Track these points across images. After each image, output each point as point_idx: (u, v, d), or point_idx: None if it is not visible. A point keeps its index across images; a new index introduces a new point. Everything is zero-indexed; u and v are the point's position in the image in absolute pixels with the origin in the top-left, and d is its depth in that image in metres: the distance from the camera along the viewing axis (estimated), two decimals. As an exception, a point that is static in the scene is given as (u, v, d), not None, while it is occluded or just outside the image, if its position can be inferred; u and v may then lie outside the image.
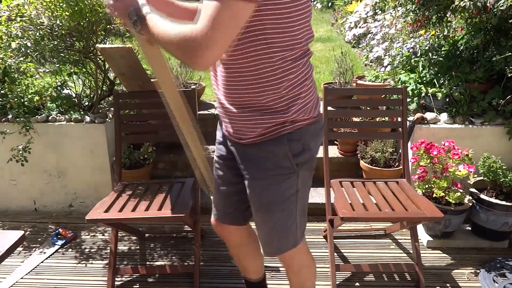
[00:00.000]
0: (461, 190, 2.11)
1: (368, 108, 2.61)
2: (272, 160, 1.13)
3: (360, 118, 2.60)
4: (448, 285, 1.97)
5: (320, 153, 2.75)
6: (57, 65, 2.50)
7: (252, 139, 1.13)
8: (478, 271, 2.05)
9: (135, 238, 2.39)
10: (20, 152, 2.30)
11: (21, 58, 2.34)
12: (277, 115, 1.07)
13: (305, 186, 1.22)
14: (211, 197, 1.43)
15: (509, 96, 2.27)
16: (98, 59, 2.56)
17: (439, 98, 2.39)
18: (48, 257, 2.22)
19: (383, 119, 2.50)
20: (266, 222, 1.24)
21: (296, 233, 1.27)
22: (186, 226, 2.43)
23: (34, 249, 2.29)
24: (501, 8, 2.02)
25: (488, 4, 2.07)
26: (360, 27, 4.92)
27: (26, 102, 2.50)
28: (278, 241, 1.27)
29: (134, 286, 2.00)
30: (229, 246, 1.56)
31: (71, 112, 2.57)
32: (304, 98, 1.10)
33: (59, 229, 2.39)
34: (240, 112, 1.11)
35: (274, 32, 0.97)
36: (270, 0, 0.91)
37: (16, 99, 2.41)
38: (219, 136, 1.38)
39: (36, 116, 2.51)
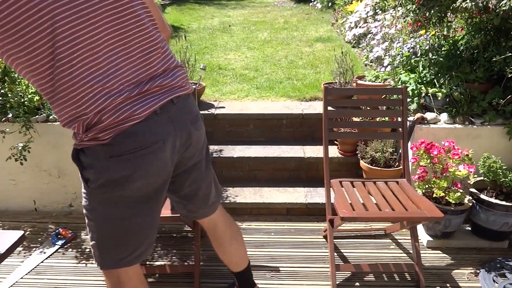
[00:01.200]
0: (461, 190, 2.11)
1: (368, 108, 2.61)
2: None
3: (360, 118, 2.60)
4: (448, 285, 1.97)
5: (320, 153, 2.77)
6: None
7: None
8: (478, 271, 2.05)
9: (135, 238, 2.39)
10: (20, 150, 2.30)
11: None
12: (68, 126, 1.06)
13: (105, 209, 1.14)
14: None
15: (509, 96, 2.26)
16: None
17: (439, 98, 2.39)
18: (48, 257, 2.22)
19: (383, 119, 2.50)
20: None
21: (96, 253, 1.21)
22: (186, 226, 2.43)
23: (34, 249, 2.29)
24: (503, 8, 2.02)
25: (490, 5, 2.06)
26: (360, 27, 4.91)
27: (26, 102, 2.50)
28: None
29: (134, 286, 2.00)
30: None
31: (71, 112, 2.57)
32: (82, 117, 1.02)
33: (59, 229, 2.39)
34: None
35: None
36: None
37: (16, 99, 2.41)
38: None
39: (36, 116, 2.51)
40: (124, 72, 1.05)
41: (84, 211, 1.17)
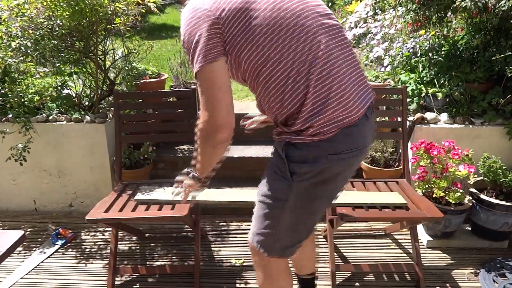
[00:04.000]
0: (461, 190, 2.11)
1: (368, 108, 2.61)
2: (274, 158, 1.18)
3: (360, 118, 2.59)
4: (448, 285, 1.97)
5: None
6: (57, 65, 2.50)
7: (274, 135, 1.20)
8: (478, 271, 2.05)
9: (135, 238, 2.39)
10: (19, 151, 2.30)
11: (21, 58, 2.33)
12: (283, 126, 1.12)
13: (299, 202, 1.16)
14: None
15: (509, 96, 2.27)
16: (98, 58, 2.56)
17: (439, 98, 2.39)
18: (48, 257, 2.22)
19: (383, 119, 2.49)
20: (255, 208, 1.27)
21: (271, 241, 1.24)
22: (186, 226, 2.43)
23: (34, 249, 2.29)
24: (503, 8, 2.02)
25: (489, 5, 2.06)
26: (360, 27, 4.91)
27: (26, 102, 2.50)
28: (253, 232, 1.27)
29: (134, 286, 2.00)
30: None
31: (71, 112, 2.57)
32: (307, 114, 1.06)
33: (59, 229, 2.39)
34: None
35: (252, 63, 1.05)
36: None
37: (16, 99, 2.41)
38: None
39: (36, 116, 2.51)
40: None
41: (267, 199, 1.19)
